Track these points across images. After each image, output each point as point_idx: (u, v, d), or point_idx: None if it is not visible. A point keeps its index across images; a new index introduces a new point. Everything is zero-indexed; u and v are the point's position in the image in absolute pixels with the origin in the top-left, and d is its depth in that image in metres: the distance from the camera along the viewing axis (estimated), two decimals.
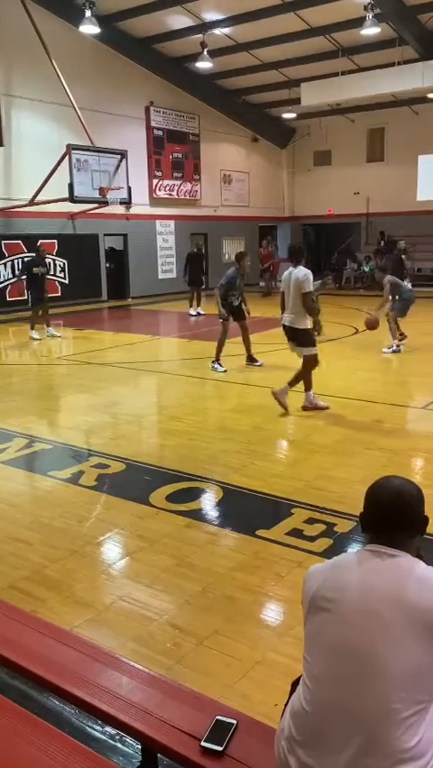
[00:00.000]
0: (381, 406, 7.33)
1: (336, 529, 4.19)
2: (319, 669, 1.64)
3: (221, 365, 9.25)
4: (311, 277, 6.84)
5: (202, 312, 15.72)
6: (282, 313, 7.10)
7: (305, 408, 7.05)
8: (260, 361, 9.50)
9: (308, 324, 7.12)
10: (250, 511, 4.65)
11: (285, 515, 4.45)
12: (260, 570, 3.78)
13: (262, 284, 21.01)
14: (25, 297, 14.25)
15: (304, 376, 7.01)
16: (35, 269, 12.82)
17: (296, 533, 4.17)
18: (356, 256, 22.67)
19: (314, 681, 1.64)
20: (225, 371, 9.16)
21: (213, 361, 9.34)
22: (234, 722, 1.93)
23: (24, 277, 13.09)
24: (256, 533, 4.18)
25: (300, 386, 7.05)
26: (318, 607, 1.71)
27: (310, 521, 4.33)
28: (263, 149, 24.23)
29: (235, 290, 9.24)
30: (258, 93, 21.43)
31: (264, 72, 19.36)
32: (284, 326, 7.08)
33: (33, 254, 13.68)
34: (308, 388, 7.05)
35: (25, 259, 15.24)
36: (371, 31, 14.82)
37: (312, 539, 4.07)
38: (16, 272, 16.18)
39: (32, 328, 12.82)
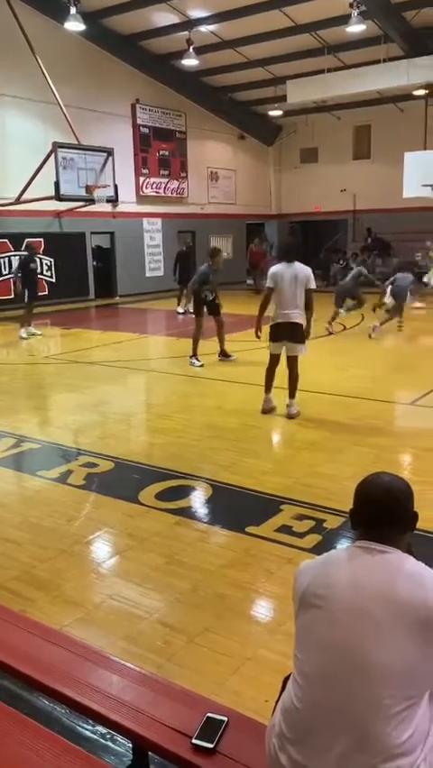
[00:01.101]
0: (369, 402, 7.36)
1: (325, 525, 4.20)
2: (310, 666, 1.64)
3: (198, 359, 9.38)
4: (311, 273, 6.74)
5: (191, 310, 15.70)
6: (281, 310, 6.70)
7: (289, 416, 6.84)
8: (233, 356, 9.63)
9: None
10: (239, 508, 4.65)
11: (274, 511, 4.45)
12: (250, 567, 3.78)
13: (249, 282, 20.98)
14: (11, 297, 14.17)
15: (296, 378, 6.85)
16: (31, 266, 12.88)
17: (285, 529, 4.17)
18: (344, 253, 22.72)
19: (304, 678, 1.64)
20: (203, 366, 9.30)
21: (190, 356, 9.46)
22: (225, 719, 1.93)
23: (20, 275, 13.08)
24: (246, 530, 4.19)
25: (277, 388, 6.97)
26: (309, 603, 1.71)
27: (299, 517, 4.34)
28: (250, 146, 24.22)
29: (209, 285, 9.35)
30: (244, 90, 21.41)
31: (250, 69, 19.34)
32: (285, 324, 6.68)
33: (26, 252, 13.66)
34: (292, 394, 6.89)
35: (13, 257, 15.14)
36: (356, 28, 14.84)
37: (301, 535, 4.08)
38: (3, 271, 16.10)
39: (28, 325, 12.78)
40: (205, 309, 9.52)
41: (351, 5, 14.37)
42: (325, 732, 1.56)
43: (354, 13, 14.45)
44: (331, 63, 17.86)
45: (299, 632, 1.73)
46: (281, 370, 6.90)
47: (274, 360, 6.94)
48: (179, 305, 16.06)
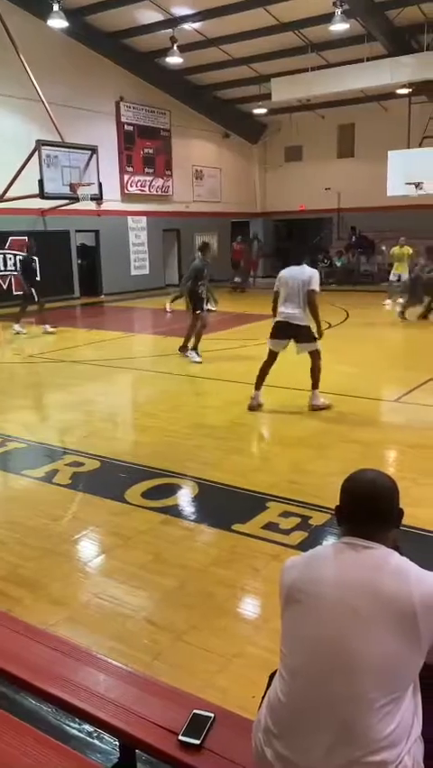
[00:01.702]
0: (354, 399, 7.39)
1: (311, 522, 4.22)
2: (295, 661, 1.66)
3: (198, 354, 9.51)
4: (317, 276, 6.74)
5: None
6: (280, 308, 6.78)
7: (314, 408, 6.90)
8: (197, 357, 9.66)
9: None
10: (226, 506, 4.66)
11: (260, 509, 4.46)
12: (236, 564, 3.79)
13: (237, 279, 20.96)
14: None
15: (316, 370, 6.91)
16: (33, 265, 13.03)
17: (271, 526, 4.19)
18: (328, 251, 22.80)
19: (290, 674, 1.65)
20: (201, 362, 9.39)
21: (190, 349, 9.56)
22: (212, 715, 1.94)
23: (23, 275, 13.29)
24: (232, 527, 4.20)
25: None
26: (295, 599, 1.72)
27: (285, 514, 4.36)
28: (235, 144, 24.23)
29: (203, 280, 9.45)
30: (228, 88, 21.40)
31: (234, 68, 19.34)
32: (284, 323, 6.76)
33: (26, 252, 13.75)
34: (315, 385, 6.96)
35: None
36: (339, 27, 14.88)
37: (287, 532, 4.10)
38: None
39: (45, 322, 13.08)
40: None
41: (334, 4, 14.40)
42: (310, 726, 1.57)
43: (338, 11, 14.49)
44: (315, 62, 17.90)
45: (284, 628, 1.74)
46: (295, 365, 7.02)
47: (271, 357, 6.97)
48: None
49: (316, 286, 6.65)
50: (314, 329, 6.78)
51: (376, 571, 1.66)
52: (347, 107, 21.50)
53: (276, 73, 18.62)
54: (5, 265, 16.93)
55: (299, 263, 6.80)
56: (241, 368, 9.06)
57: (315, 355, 6.90)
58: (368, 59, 16.73)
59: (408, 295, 13.83)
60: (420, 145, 19.30)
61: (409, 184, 17.30)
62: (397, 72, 16.70)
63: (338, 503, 1.82)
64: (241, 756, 1.79)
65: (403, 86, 18.49)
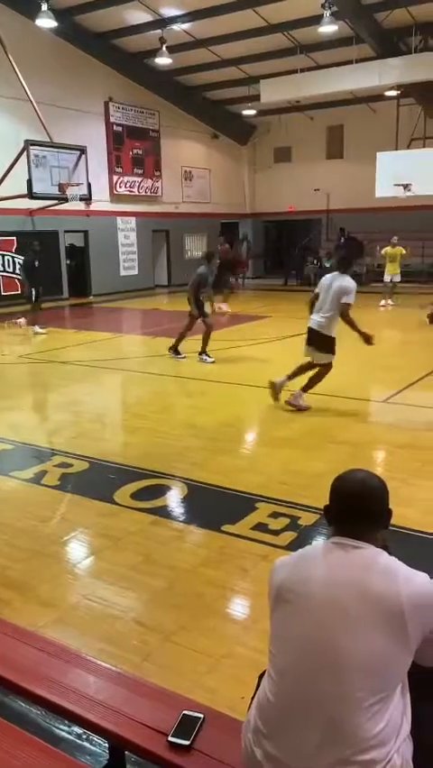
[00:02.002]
0: (344, 400, 7.42)
1: (300, 522, 4.23)
2: (284, 661, 1.66)
3: (209, 356, 9.55)
4: (354, 286, 6.64)
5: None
6: (313, 317, 6.82)
7: (289, 403, 6.93)
8: (183, 355, 9.78)
9: (334, 332, 6.81)
10: (215, 507, 4.65)
11: (250, 509, 4.46)
12: (225, 565, 3.79)
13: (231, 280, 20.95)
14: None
15: (314, 377, 6.93)
16: (35, 264, 13.11)
17: (261, 527, 4.19)
18: (317, 252, 22.86)
19: (279, 674, 1.66)
20: (214, 361, 9.43)
21: (200, 353, 9.59)
22: (202, 716, 1.94)
23: (25, 276, 13.45)
24: (221, 528, 4.19)
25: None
26: (284, 599, 1.73)
27: (275, 515, 4.36)
28: (224, 145, 24.24)
29: (206, 287, 9.56)
30: (218, 89, 21.42)
31: (224, 69, 19.35)
32: (309, 328, 6.83)
33: (28, 253, 13.75)
34: (307, 389, 6.97)
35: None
36: (328, 28, 14.92)
37: (277, 533, 4.10)
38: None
39: (36, 323, 13.23)
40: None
41: (323, 6, 14.45)
42: (299, 726, 1.57)
43: (327, 13, 14.54)
44: (304, 63, 17.95)
45: (273, 628, 1.74)
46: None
47: (306, 361, 6.99)
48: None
49: (347, 299, 6.55)
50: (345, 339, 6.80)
51: (365, 570, 1.67)
52: (336, 109, 21.58)
53: (265, 74, 18.66)
54: None
55: (344, 272, 6.73)
56: (230, 369, 9.08)
57: (324, 367, 6.88)
58: (357, 61, 16.80)
59: None
60: (408, 147, 19.42)
61: (398, 185, 17.37)
62: (385, 74, 16.78)
63: (328, 503, 1.82)
64: (230, 757, 1.79)
65: (392, 88, 18.58)
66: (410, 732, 1.61)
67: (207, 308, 9.75)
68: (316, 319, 6.77)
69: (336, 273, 6.80)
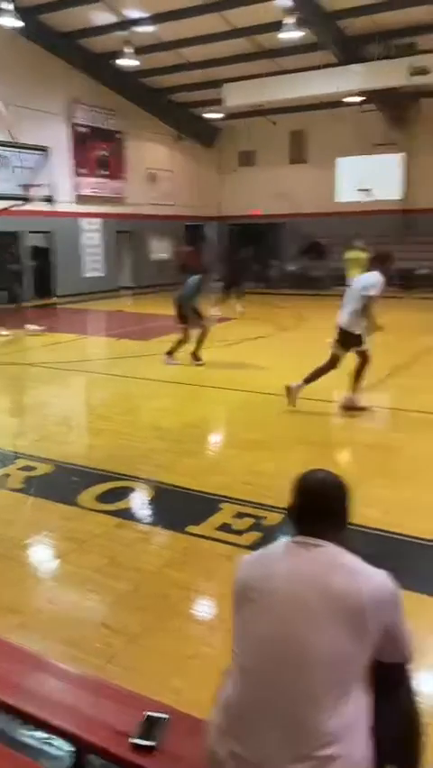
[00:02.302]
0: (309, 401, 7.48)
1: (264, 522, 4.26)
2: (246, 659, 1.68)
3: (174, 360, 9.40)
4: (380, 281, 6.60)
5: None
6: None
7: (346, 408, 6.91)
8: (177, 361, 9.52)
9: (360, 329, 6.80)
10: (180, 508, 4.66)
11: (214, 510, 4.48)
12: (190, 566, 3.80)
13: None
14: None
15: (360, 372, 6.90)
16: (15, 267, 12.90)
17: (225, 527, 4.21)
18: (281, 256, 23.00)
19: (241, 671, 1.67)
20: (203, 364, 9.26)
21: (192, 355, 9.40)
22: (166, 717, 1.94)
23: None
24: (186, 529, 4.20)
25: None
26: (246, 598, 1.74)
27: (239, 515, 4.38)
28: (189, 148, 24.25)
29: (200, 294, 9.51)
30: (183, 92, 21.44)
31: (189, 72, 19.37)
32: (337, 328, 6.88)
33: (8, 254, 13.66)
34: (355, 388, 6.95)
35: None
36: (292, 34, 15.07)
37: (241, 533, 4.12)
38: None
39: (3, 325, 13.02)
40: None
41: (286, 12, 14.58)
42: (261, 723, 1.59)
43: (290, 20, 14.67)
44: (268, 67, 18.09)
45: (237, 626, 1.76)
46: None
47: (331, 359, 6.91)
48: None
49: (368, 291, 6.58)
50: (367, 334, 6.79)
51: (326, 567, 1.69)
52: (300, 114, 21.77)
53: (230, 78, 18.74)
54: None
55: (372, 270, 6.79)
56: (194, 371, 9.09)
57: (359, 355, 6.87)
58: (320, 67, 16.99)
59: None
60: (371, 153, 19.71)
61: (361, 190, 17.63)
62: (348, 80, 17.02)
63: (289, 502, 1.85)
64: (194, 757, 1.80)
65: (354, 95, 18.83)
66: (372, 728, 1.64)
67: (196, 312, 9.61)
68: (340, 315, 6.81)
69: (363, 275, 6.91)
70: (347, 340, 6.78)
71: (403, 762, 1.77)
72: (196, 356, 9.44)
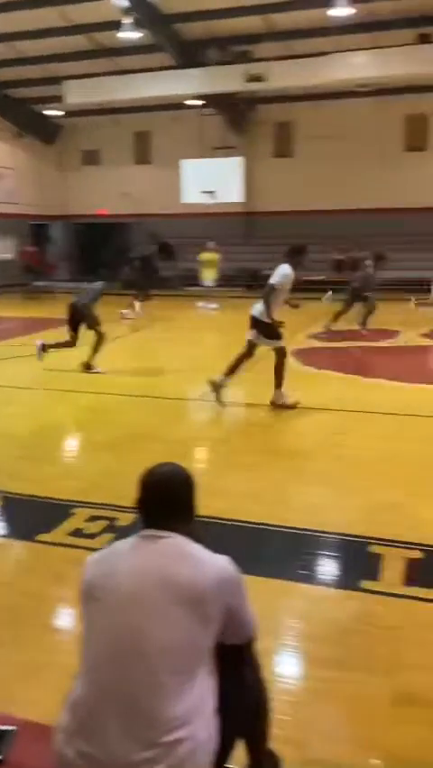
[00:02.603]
0: (158, 400, 7.54)
1: (117, 524, 4.23)
2: (93, 655, 1.67)
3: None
4: (286, 273, 6.79)
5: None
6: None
7: (273, 404, 6.91)
8: (99, 369, 8.96)
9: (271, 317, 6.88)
10: (29, 517, 4.51)
11: (66, 516, 4.38)
12: (40, 574, 3.70)
13: (40, 283, 20.32)
14: None
15: (279, 370, 6.91)
16: None
17: (77, 532, 4.14)
18: (128, 256, 22.92)
19: (87, 671, 1.66)
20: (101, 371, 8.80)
21: (85, 365, 8.86)
22: (14, 729, 1.88)
23: None
24: (36, 538, 4.07)
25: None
26: (92, 597, 1.74)
27: (92, 519, 4.32)
28: (29, 145, 23.45)
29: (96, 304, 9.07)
30: (21, 87, 20.71)
31: (27, 66, 18.74)
32: (250, 317, 6.99)
33: None
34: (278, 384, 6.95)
35: None
36: (130, 35, 15.06)
37: (93, 536, 4.07)
38: None
39: None
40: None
41: (123, 12, 14.55)
42: (104, 715, 1.59)
43: (127, 20, 14.65)
44: (108, 67, 17.96)
45: (84, 627, 1.74)
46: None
47: (247, 348, 7.00)
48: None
49: (273, 279, 6.76)
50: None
51: (170, 558, 1.73)
52: (143, 115, 21.82)
53: (71, 75, 18.38)
54: None
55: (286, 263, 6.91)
56: (44, 375, 8.81)
57: (275, 353, 6.96)
58: (160, 69, 17.13)
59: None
60: (212, 156, 20.18)
61: (205, 192, 18.02)
62: (187, 84, 17.33)
63: (137, 496, 1.86)
64: (46, 764, 1.76)
65: (194, 98, 19.19)
66: (219, 707, 1.70)
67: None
68: (255, 305, 6.97)
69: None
70: (258, 327, 6.97)
71: (252, 735, 1.85)
72: (88, 365, 8.95)
